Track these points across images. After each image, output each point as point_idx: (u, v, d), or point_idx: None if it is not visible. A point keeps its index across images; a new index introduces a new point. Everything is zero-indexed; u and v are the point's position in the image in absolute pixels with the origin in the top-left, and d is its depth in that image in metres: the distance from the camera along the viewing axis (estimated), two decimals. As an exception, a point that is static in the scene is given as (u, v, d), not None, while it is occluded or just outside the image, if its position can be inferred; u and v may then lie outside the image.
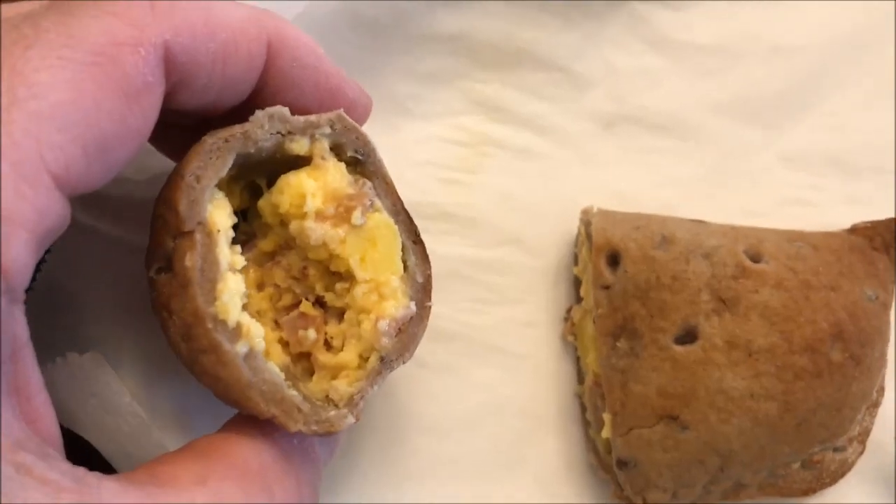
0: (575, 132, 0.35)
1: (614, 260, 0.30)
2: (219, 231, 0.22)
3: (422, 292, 0.25)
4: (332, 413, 0.23)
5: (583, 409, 0.32)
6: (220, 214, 0.22)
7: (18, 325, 0.18)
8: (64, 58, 0.18)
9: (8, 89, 0.18)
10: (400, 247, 0.25)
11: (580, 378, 0.33)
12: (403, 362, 0.25)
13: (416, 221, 0.26)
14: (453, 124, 0.35)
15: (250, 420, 0.22)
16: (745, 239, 0.30)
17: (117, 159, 0.20)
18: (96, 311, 0.28)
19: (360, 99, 0.26)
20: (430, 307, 0.26)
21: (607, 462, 0.31)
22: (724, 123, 0.35)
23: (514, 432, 0.32)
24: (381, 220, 0.25)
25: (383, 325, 0.24)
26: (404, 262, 0.25)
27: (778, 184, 0.35)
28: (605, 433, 0.30)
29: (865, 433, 0.32)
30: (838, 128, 0.35)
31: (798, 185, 0.35)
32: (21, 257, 0.18)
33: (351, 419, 0.23)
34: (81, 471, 0.18)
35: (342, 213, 0.24)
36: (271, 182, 0.24)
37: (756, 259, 0.30)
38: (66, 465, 0.18)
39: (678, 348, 0.29)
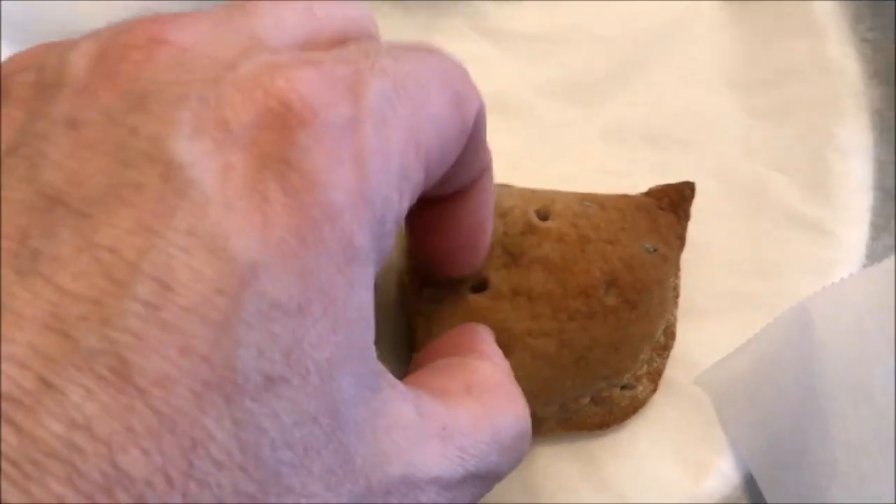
0: (413, 113, 0.39)
1: (426, 221, 0.34)
2: None
3: None
4: None
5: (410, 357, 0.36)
6: None
7: None
8: None
9: None
10: None
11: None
12: None
13: None
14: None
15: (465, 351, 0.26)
16: (540, 200, 0.34)
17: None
18: None
19: None
20: None
21: (421, 399, 0.35)
22: (548, 103, 0.39)
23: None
24: None
25: None
26: None
27: (596, 156, 0.39)
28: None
29: (657, 373, 0.35)
30: (650, 106, 0.39)
31: (614, 157, 0.39)
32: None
33: None
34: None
35: None
36: None
37: (544, 218, 0.34)
38: None
39: (472, 296, 0.33)
